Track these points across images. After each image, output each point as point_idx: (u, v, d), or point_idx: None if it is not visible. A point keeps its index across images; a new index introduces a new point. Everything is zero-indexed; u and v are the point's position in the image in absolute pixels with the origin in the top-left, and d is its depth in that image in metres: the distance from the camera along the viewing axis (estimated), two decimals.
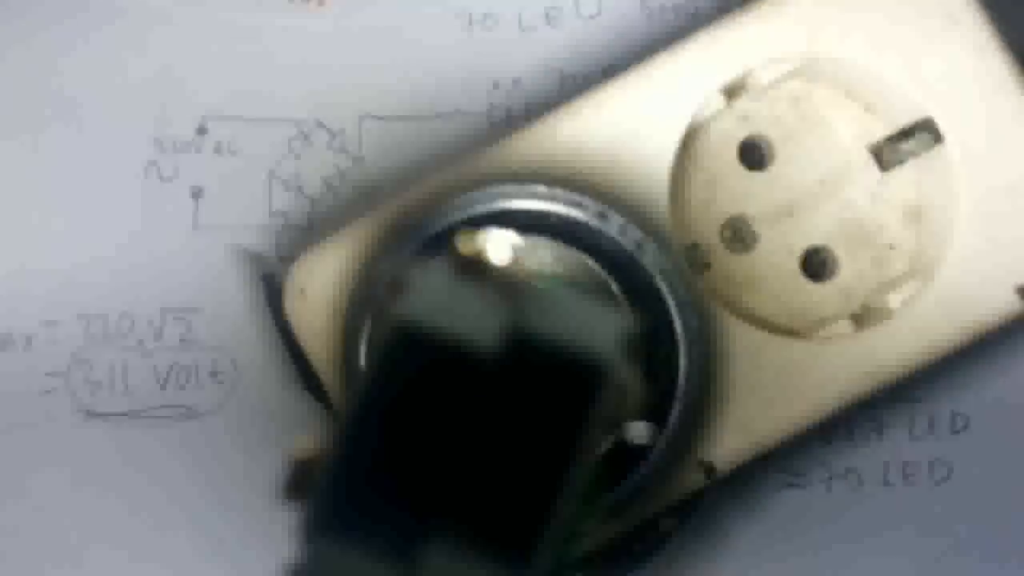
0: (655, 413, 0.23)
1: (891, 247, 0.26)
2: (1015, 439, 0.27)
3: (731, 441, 0.24)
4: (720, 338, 0.24)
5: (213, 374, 0.29)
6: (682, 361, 0.23)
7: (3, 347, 0.29)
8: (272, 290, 0.25)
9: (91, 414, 0.29)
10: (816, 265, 0.26)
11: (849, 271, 0.26)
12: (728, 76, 0.24)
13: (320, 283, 0.24)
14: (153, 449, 0.28)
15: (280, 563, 0.18)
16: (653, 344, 0.23)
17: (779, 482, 0.27)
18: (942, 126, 0.24)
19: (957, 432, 0.28)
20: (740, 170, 0.26)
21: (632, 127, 0.24)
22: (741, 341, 0.24)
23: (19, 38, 0.29)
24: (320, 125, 0.28)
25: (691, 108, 0.24)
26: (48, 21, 0.29)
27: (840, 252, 0.26)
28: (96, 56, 0.29)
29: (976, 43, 0.24)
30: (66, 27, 0.29)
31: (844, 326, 0.25)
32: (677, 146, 0.24)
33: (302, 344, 0.24)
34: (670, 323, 0.23)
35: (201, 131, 0.29)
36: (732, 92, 0.25)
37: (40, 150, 0.29)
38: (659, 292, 0.23)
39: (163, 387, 0.29)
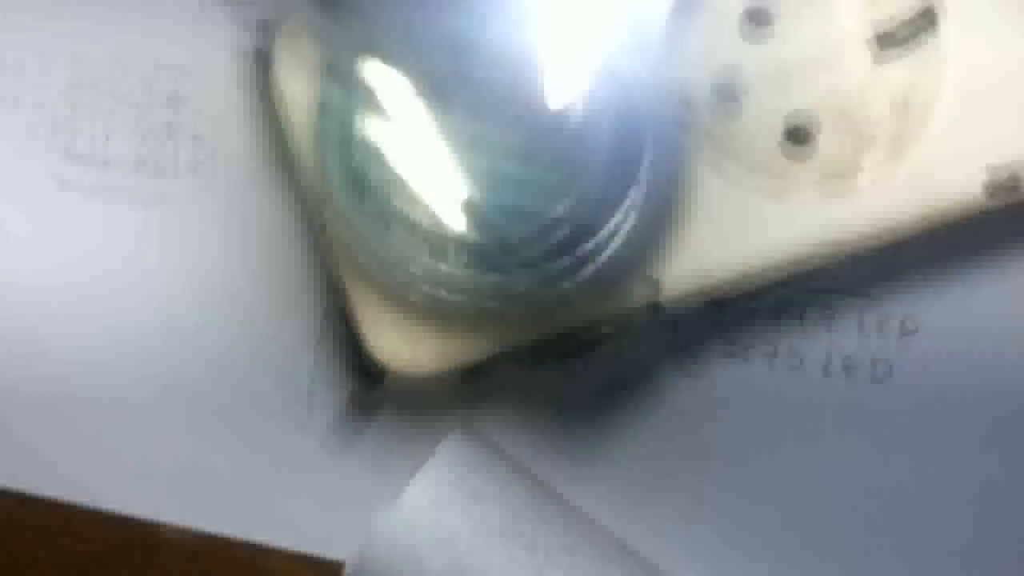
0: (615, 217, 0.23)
1: (873, 136, 0.26)
2: (960, 350, 0.27)
3: (682, 266, 0.24)
4: (690, 171, 0.24)
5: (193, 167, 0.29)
6: (644, 169, 0.23)
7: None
8: (260, 61, 0.25)
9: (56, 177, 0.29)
10: (797, 136, 0.26)
11: (828, 146, 0.26)
12: None
13: (301, 52, 0.24)
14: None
15: None
16: (622, 148, 0.23)
17: (722, 352, 0.28)
18: (943, 13, 0.25)
19: (905, 335, 0.28)
20: (741, 34, 0.26)
21: None
22: (710, 181, 0.24)
23: None
24: None
25: None
26: None
27: (823, 128, 0.26)
28: None
29: None
30: None
31: (811, 193, 0.25)
32: None
33: (281, 110, 0.24)
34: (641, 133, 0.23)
35: None
36: None
37: None
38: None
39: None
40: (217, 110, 0.29)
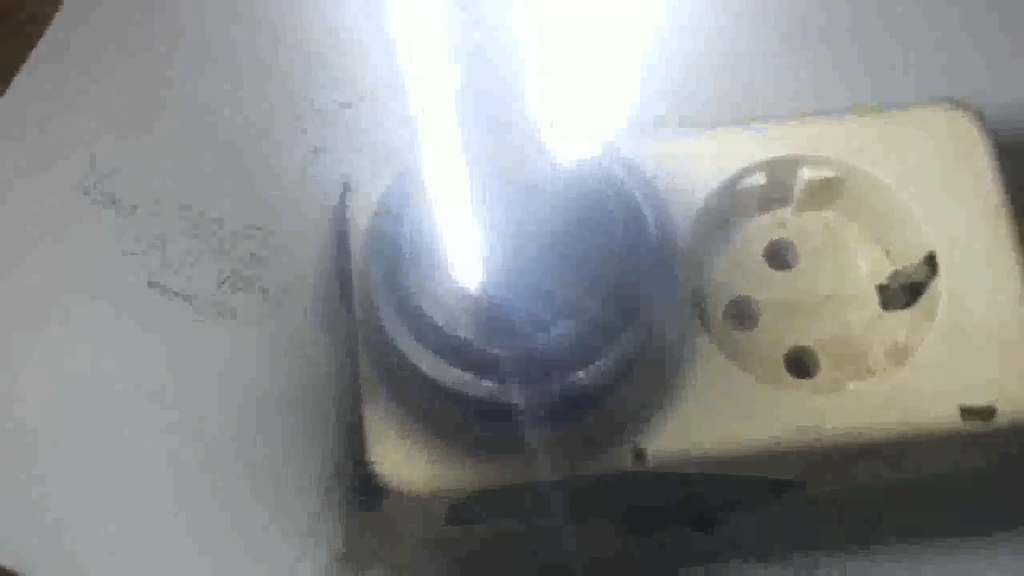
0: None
1: (869, 371, 0.28)
2: None
3: (668, 437, 0.26)
4: (687, 346, 0.26)
5: (264, 290, 0.33)
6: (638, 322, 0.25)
7: (111, 205, 0.33)
8: (344, 194, 0.29)
9: (155, 286, 0.33)
10: (797, 366, 0.29)
11: (825, 377, 0.28)
12: (775, 154, 0.28)
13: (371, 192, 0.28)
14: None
15: None
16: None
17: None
18: (941, 263, 0.27)
19: None
20: (762, 263, 0.29)
21: (689, 168, 0.28)
22: (707, 357, 0.26)
23: None
24: None
25: (732, 175, 0.28)
26: None
27: (823, 360, 0.28)
28: None
29: (991, 204, 0.27)
30: None
31: (803, 390, 0.27)
32: (705, 201, 0.28)
33: (350, 234, 0.28)
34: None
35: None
36: (775, 201, 0.29)
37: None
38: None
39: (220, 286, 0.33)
40: (289, 268, 0.32)
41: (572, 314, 0.24)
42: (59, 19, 0.35)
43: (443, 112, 0.19)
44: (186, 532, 0.30)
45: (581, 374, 0.24)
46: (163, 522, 0.30)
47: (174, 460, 0.31)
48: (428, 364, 0.24)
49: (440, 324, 0.24)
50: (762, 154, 0.28)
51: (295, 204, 0.33)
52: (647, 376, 0.26)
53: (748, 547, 0.30)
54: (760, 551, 0.30)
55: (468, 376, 0.24)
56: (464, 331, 0.24)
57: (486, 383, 0.24)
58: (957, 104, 0.29)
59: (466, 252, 0.22)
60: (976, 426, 0.26)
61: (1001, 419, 0.26)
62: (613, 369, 0.24)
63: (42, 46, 0.35)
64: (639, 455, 0.26)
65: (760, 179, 0.29)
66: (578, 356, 0.24)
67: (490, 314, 0.23)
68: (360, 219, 0.27)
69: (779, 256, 0.30)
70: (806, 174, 0.29)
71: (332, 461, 0.30)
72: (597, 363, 0.24)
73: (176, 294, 0.33)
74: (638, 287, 0.24)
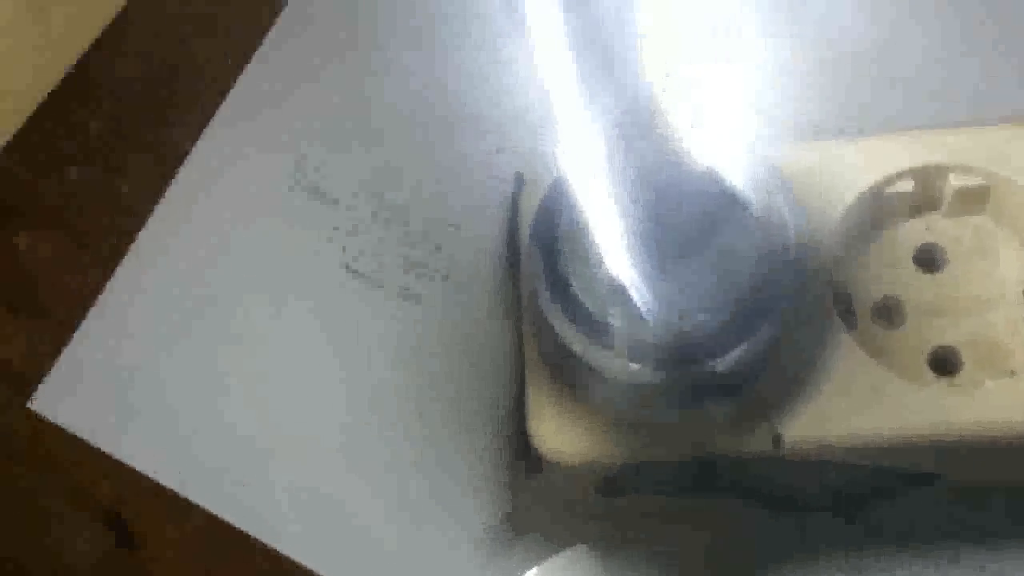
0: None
1: (1012, 372, 0.29)
2: None
3: (806, 424, 0.28)
4: (829, 342, 0.28)
5: (445, 277, 0.36)
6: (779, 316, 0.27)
7: (317, 198, 0.37)
8: (518, 183, 0.32)
9: (350, 270, 0.36)
10: (941, 366, 0.30)
11: (967, 376, 0.29)
12: (923, 162, 0.29)
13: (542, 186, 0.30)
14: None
15: None
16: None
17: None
18: None
19: None
20: (910, 265, 0.31)
21: (837, 172, 0.30)
22: (847, 352, 0.28)
23: None
24: None
25: (879, 180, 0.30)
26: None
27: (967, 360, 0.30)
28: None
29: None
30: None
31: (939, 387, 0.28)
32: (851, 205, 0.30)
33: (520, 223, 0.31)
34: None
35: None
36: (926, 206, 0.30)
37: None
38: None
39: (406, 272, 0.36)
40: (470, 258, 0.36)
41: (709, 307, 0.26)
42: (278, 27, 0.40)
43: (585, 117, 0.22)
44: (377, 487, 0.34)
45: (716, 362, 0.26)
46: (361, 480, 0.34)
47: (365, 425, 0.34)
48: (580, 346, 0.27)
49: (591, 310, 0.26)
50: (910, 161, 0.30)
51: (478, 200, 0.36)
52: (788, 368, 0.28)
53: (888, 537, 0.31)
54: (901, 542, 0.31)
55: (614, 358, 0.26)
56: (612, 318, 0.26)
57: (631, 366, 0.26)
58: None
59: (613, 247, 0.25)
60: None
61: None
62: (747, 360, 0.26)
63: (261, 52, 0.39)
64: (776, 440, 0.28)
65: (908, 185, 0.30)
66: (713, 346, 0.26)
67: (636, 303, 0.26)
68: (530, 210, 0.30)
69: (928, 259, 0.31)
70: (954, 181, 0.30)
71: (503, 432, 0.33)
72: (731, 354, 0.26)
73: (367, 278, 0.36)
74: (774, 286, 0.26)
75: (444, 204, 0.37)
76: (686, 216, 0.25)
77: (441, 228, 0.36)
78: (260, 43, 0.39)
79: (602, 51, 0.20)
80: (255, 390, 0.35)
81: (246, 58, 0.39)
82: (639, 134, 0.23)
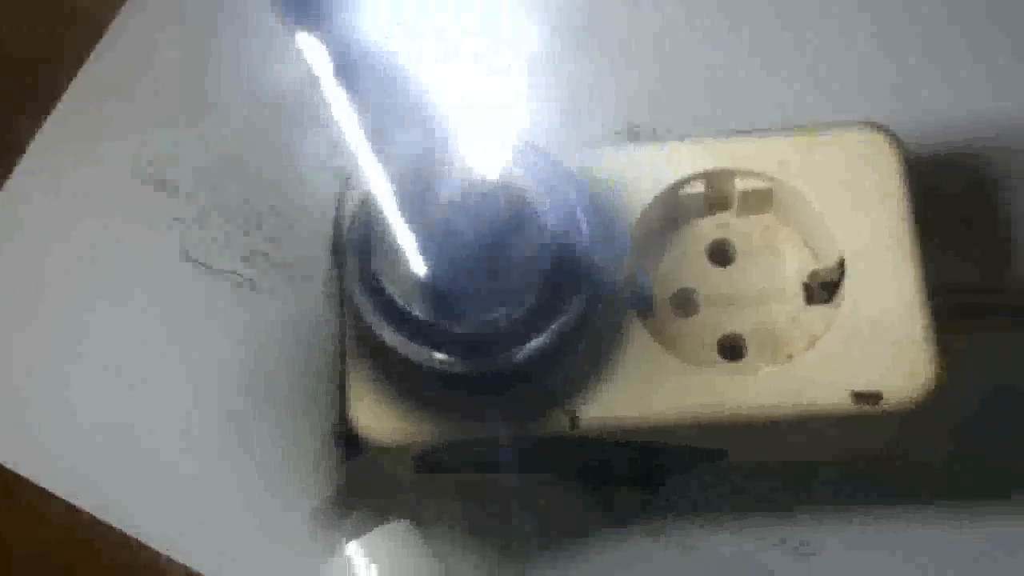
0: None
1: (789, 357, 0.32)
2: None
3: (599, 406, 0.30)
4: (624, 332, 0.31)
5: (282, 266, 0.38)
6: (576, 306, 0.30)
7: (159, 188, 0.39)
8: (344, 184, 0.34)
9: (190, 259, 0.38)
10: (728, 351, 0.33)
11: (751, 362, 0.32)
12: (713, 166, 0.32)
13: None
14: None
15: None
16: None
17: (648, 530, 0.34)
18: (848, 266, 0.31)
19: (803, 556, 0.34)
20: (704, 259, 0.34)
21: (636, 175, 0.32)
22: (637, 340, 0.31)
23: None
24: None
25: (673, 183, 0.32)
26: None
27: (751, 347, 0.33)
28: None
29: (898, 216, 0.31)
30: None
31: (721, 372, 0.31)
32: (648, 205, 0.32)
33: (345, 223, 0.33)
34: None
35: None
36: (716, 203, 0.33)
37: None
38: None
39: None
40: (305, 249, 0.37)
41: (507, 301, 0.28)
42: (120, 18, 0.41)
43: (373, 135, 0.24)
44: (215, 469, 0.35)
45: (514, 352, 0.28)
46: (193, 459, 0.36)
47: (201, 409, 0.36)
48: (391, 338, 0.29)
49: (400, 304, 0.29)
50: (702, 166, 0.33)
51: (314, 194, 0.38)
52: (585, 355, 0.31)
53: (684, 507, 0.34)
54: (694, 510, 0.34)
55: (424, 349, 0.29)
56: (419, 311, 0.28)
57: (436, 355, 0.29)
58: (875, 126, 0.32)
59: (416, 250, 0.27)
60: (864, 409, 0.30)
61: (887, 404, 0.30)
62: (543, 350, 0.29)
63: (104, 43, 0.41)
64: (573, 421, 0.30)
65: (699, 187, 0.33)
66: (512, 337, 0.28)
67: (439, 299, 0.28)
68: (352, 210, 0.32)
69: (720, 253, 0.34)
70: (739, 184, 0.33)
71: (331, 416, 0.36)
72: (528, 344, 0.29)
73: (207, 267, 0.38)
74: (568, 282, 0.29)
75: (283, 196, 0.38)
76: (484, 221, 0.27)
77: (279, 220, 0.38)
78: (100, 35, 0.40)
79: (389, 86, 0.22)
80: (98, 379, 0.36)
81: (87, 50, 0.40)
82: (431, 143, 0.25)
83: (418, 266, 0.27)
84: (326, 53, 0.21)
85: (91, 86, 0.40)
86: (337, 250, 0.33)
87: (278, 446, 0.35)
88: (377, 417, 0.31)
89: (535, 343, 0.29)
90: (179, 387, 0.36)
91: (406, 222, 0.27)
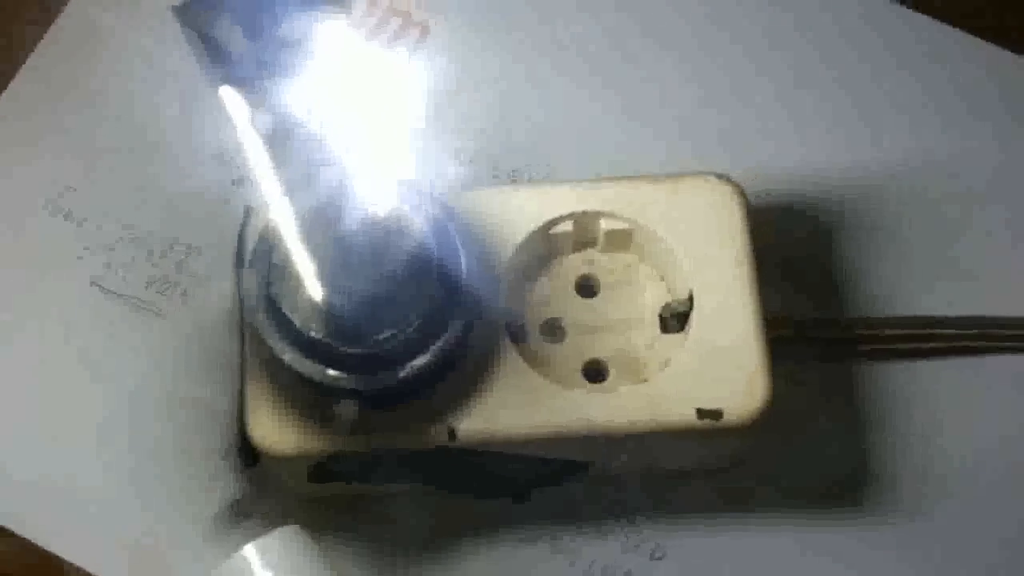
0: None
1: (645, 380, 0.36)
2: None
3: (476, 421, 0.34)
4: (498, 354, 0.35)
5: (185, 293, 0.41)
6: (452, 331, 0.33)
7: (58, 215, 0.41)
8: (246, 215, 0.37)
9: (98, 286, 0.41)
10: (592, 375, 0.37)
11: (612, 384, 0.36)
12: (581, 208, 0.36)
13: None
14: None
15: None
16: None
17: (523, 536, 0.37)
18: (696, 298, 0.35)
19: (655, 559, 0.37)
20: (572, 292, 0.37)
21: (512, 215, 0.36)
22: (510, 362, 0.35)
23: None
24: None
25: (544, 223, 0.36)
26: None
27: (612, 371, 0.37)
28: None
29: (739, 255, 0.36)
30: None
31: (584, 391, 0.35)
32: (522, 242, 0.36)
33: (246, 250, 0.36)
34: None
35: None
36: (582, 241, 0.37)
37: None
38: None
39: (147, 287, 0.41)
40: (207, 277, 0.40)
41: (395, 325, 0.32)
42: (35, 54, 0.43)
43: (277, 174, 0.27)
44: (122, 481, 0.38)
45: (399, 371, 0.32)
46: (102, 472, 0.38)
47: (109, 426, 0.39)
48: (289, 356, 0.32)
49: (297, 326, 0.32)
50: (571, 207, 0.37)
51: (217, 225, 0.41)
52: (464, 375, 0.34)
53: (549, 514, 0.38)
54: (560, 518, 0.38)
55: (318, 367, 0.32)
56: (315, 332, 0.32)
57: (331, 372, 0.32)
58: (722, 177, 0.37)
59: (315, 275, 0.31)
60: (708, 424, 0.34)
61: (727, 420, 0.34)
62: (425, 369, 0.32)
63: (19, 76, 0.43)
64: (451, 434, 0.34)
65: (568, 227, 0.37)
66: (399, 356, 0.32)
67: (333, 321, 0.31)
68: (253, 239, 0.36)
69: (586, 287, 0.38)
70: (604, 225, 0.37)
71: (230, 430, 0.38)
72: (411, 364, 0.32)
73: (115, 294, 0.40)
74: (449, 307, 0.32)
75: (186, 227, 0.41)
76: (375, 252, 0.31)
77: (183, 250, 0.41)
78: (16, 67, 0.43)
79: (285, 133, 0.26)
80: (7, 401, 0.39)
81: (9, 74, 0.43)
82: (332, 182, 0.28)
83: (315, 291, 0.31)
84: (245, 106, 0.24)
85: (1, 119, 0.42)
86: (239, 276, 0.36)
87: (180, 459, 0.38)
88: (273, 430, 0.34)
89: (418, 362, 0.32)
90: (88, 407, 0.39)
91: (306, 251, 0.30)
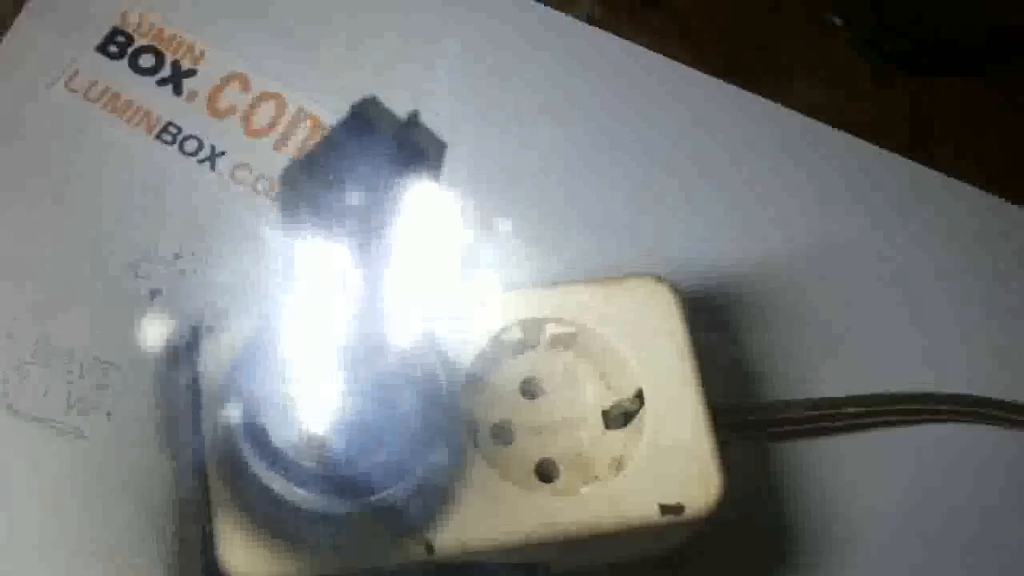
0: None
1: (596, 477, 0.38)
2: None
3: (450, 532, 0.34)
4: (467, 466, 0.35)
5: (109, 414, 0.39)
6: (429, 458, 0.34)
7: None
8: (193, 334, 0.36)
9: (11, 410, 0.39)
10: (543, 474, 0.38)
11: (563, 482, 0.38)
12: (531, 315, 0.37)
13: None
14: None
15: None
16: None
17: None
18: (647, 396, 0.37)
19: None
20: (517, 395, 0.39)
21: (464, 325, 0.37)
22: (476, 471, 0.35)
23: None
24: None
25: (499, 329, 0.37)
26: None
27: (562, 468, 0.38)
28: None
29: (681, 351, 0.38)
30: None
31: (547, 494, 0.36)
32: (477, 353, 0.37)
33: (203, 373, 0.35)
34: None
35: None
36: (527, 345, 0.38)
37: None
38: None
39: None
40: (131, 395, 0.39)
41: (379, 451, 0.32)
42: None
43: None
44: None
45: (385, 494, 0.32)
46: None
47: (34, 563, 0.37)
48: (278, 485, 0.32)
49: (290, 455, 0.32)
50: (520, 314, 0.38)
51: (135, 340, 0.40)
52: (435, 487, 0.35)
53: None
54: None
55: (307, 494, 0.32)
56: (303, 460, 0.32)
57: (322, 499, 0.32)
58: (658, 278, 0.39)
59: (299, 410, 0.31)
60: (670, 519, 0.36)
61: (688, 513, 0.36)
62: (410, 490, 0.33)
63: None
64: (429, 548, 0.34)
65: (517, 333, 0.38)
66: (382, 481, 0.32)
67: (323, 453, 0.31)
68: (210, 361, 0.35)
69: (529, 389, 0.39)
70: (549, 329, 0.38)
71: (170, 556, 0.37)
72: (398, 486, 0.33)
73: (31, 416, 0.39)
74: (429, 435, 0.33)
75: (105, 342, 0.40)
76: (385, 390, 0.31)
77: (102, 367, 0.40)
78: None
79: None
80: None
81: None
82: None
83: (304, 421, 0.31)
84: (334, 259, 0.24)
85: None
86: (195, 399, 0.35)
87: None
88: (248, 558, 0.34)
89: (403, 485, 0.33)
90: (10, 541, 0.37)
91: (296, 379, 0.30)
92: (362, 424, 0.32)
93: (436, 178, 0.22)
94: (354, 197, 0.21)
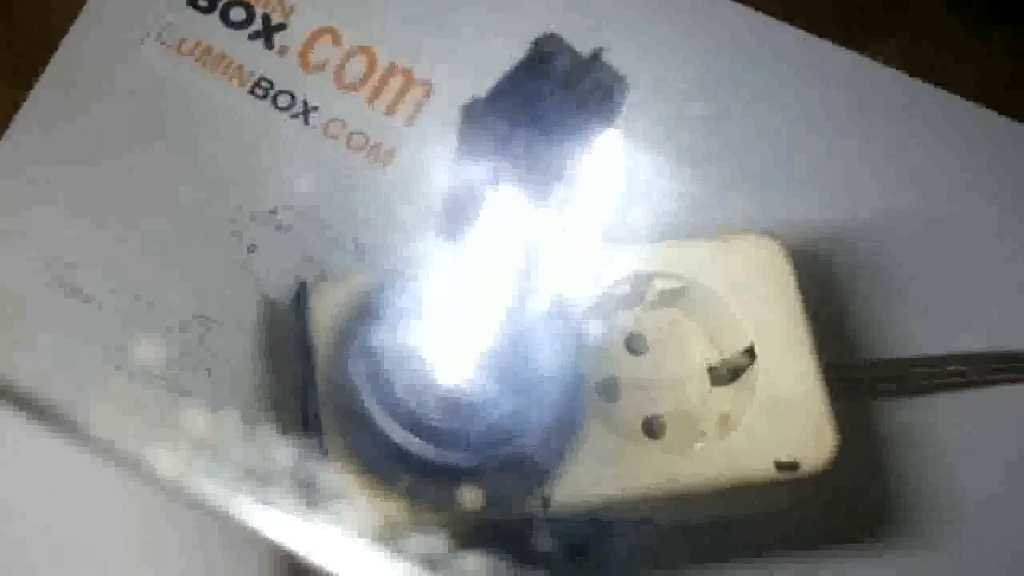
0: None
1: (703, 434, 0.37)
2: None
3: (566, 488, 0.34)
4: (583, 423, 0.35)
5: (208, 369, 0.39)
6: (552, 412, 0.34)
7: (74, 296, 0.39)
8: (302, 290, 0.36)
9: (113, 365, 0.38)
10: (650, 430, 0.37)
11: (670, 439, 0.37)
12: (646, 269, 0.37)
13: (330, 298, 0.35)
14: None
15: None
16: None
17: None
18: (758, 353, 0.37)
19: None
20: (623, 350, 0.38)
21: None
22: (596, 430, 0.35)
23: None
24: None
25: (610, 283, 0.37)
26: None
27: (668, 426, 0.37)
28: None
29: (792, 309, 0.37)
30: None
31: (658, 450, 0.36)
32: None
33: (311, 326, 0.35)
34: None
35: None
36: (635, 300, 0.38)
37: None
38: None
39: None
40: (231, 350, 0.39)
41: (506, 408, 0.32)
42: (16, 124, 0.41)
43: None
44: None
45: (511, 447, 0.32)
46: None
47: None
48: (400, 437, 0.32)
49: (414, 409, 0.31)
50: (628, 268, 0.37)
51: (236, 296, 0.40)
52: (553, 441, 0.34)
53: (613, 570, 0.38)
54: (623, 572, 0.38)
55: (431, 446, 0.32)
56: (433, 415, 0.31)
57: (445, 453, 0.32)
58: (769, 234, 0.38)
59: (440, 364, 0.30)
60: (786, 476, 0.35)
61: (803, 470, 0.36)
62: (534, 445, 0.32)
63: (3, 149, 0.40)
64: (546, 503, 0.34)
65: (626, 287, 0.37)
66: (510, 436, 0.32)
67: (448, 406, 0.31)
68: (322, 315, 0.35)
69: (634, 345, 0.38)
70: (658, 284, 0.38)
71: None
72: (522, 442, 0.32)
73: (133, 373, 0.38)
74: (554, 391, 0.33)
75: (202, 299, 0.40)
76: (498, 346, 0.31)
77: (203, 323, 0.39)
78: (1, 140, 0.40)
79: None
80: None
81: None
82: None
83: (443, 377, 0.31)
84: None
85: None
86: (306, 357, 0.35)
87: None
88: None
89: (526, 440, 0.32)
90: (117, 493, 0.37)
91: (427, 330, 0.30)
92: (492, 378, 0.31)
93: (612, 120, 0.22)
94: (534, 135, 0.20)
